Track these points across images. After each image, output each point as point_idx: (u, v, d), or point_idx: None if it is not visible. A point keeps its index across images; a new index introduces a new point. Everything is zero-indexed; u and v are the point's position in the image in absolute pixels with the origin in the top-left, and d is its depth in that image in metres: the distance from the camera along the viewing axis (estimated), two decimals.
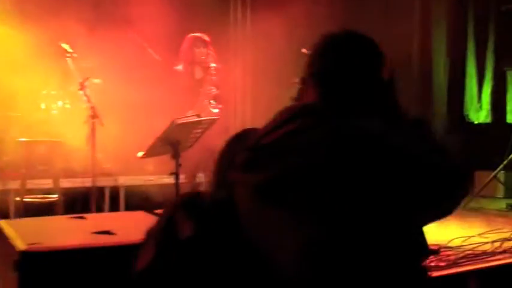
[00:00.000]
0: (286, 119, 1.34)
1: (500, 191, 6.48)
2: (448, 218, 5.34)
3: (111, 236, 1.95)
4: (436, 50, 7.25)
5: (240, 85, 7.11)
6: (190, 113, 4.82)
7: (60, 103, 5.43)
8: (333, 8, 6.98)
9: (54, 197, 4.57)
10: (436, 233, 4.91)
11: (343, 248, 1.20)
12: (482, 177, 6.39)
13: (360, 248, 1.21)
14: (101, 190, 5.33)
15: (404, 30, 7.04)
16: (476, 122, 7.06)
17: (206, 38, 5.39)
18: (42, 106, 5.38)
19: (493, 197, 6.43)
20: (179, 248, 1.29)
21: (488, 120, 6.92)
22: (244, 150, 1.33)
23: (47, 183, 4.72)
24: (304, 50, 4.75)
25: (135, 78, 5.52)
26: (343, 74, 1.41)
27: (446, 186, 1.32)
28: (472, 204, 5.95)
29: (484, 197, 6.26)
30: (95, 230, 2.03)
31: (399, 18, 6.96)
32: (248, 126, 6.31)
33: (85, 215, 2.46)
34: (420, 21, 7.28)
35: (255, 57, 6.80)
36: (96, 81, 5.63)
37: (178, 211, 1.35)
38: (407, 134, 1.38)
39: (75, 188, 4.77)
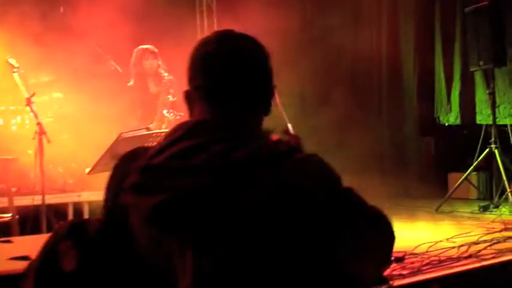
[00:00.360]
0: (178, 137, 1.23)
1: (473, 192, 6.42)
2: (419, 221, 5.26)
3: (26, 262, 1.83)
4: (405, 53, 7.22)
5: None
6: (152, 126, 4.75)
7: (19, 118, 5.31)
8: (303, 13, 6.93)
9: (8, 216, 4.45)
10: (404, 238, 4.86)
11: (234, 278, 1.11)
12: (455, 179, 6.34)
13: (251, 278, 1.11)
14: (64, 206, 5.21)
15: (373, 34, 7.01)
16: (446, 124, 7.03)
17: (155, 49, 5.33)
18: (0, 122, 5.25)
19: (465, 199, 6.37)
20: (61, 282, 1.19)
21: (458, 122, 6.88)
22: (135, 171, 1.22)
23: (3, 201, 4.60)
24: None
25: (96, 91, 5.42)
26: (231, 84, 1.28)
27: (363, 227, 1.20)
28: (445, 206, 5.90)
29: (457, 199, 6.22)
30: (13, 256, 1.92)
31: (367, 23, 6.92)
32: None
33: (13, 239, 2.35)
34: (388, 24, 7.26)
35: None
36: (57, 95, 5.53)
37: (62, 241, 1.24)
38: (314, 160, 1.23)
39: (30, 206, 4.64)
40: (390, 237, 1.29)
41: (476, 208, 5.82)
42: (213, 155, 1.16)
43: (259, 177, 1.14)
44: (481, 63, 5.65)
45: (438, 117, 7.07)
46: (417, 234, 4.98)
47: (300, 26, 6.81)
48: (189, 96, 1.33)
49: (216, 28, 7.11)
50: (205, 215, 1.12)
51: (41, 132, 4.05)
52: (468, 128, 6.72)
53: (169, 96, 5.17)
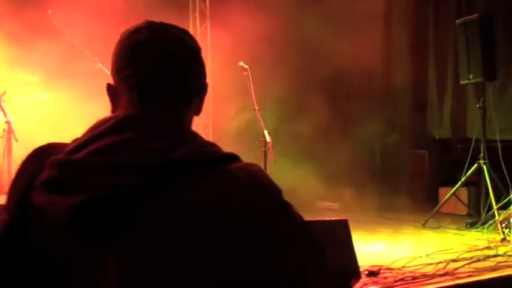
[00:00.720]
0: (103, 131, 1.10)
1: (463, 208, 6.28)
2: (404, 235, 5.17)
3: None
4: (398, 64, 7.15)
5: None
6: None
7: None
8: (297, 21, 6.88)
9: None
10: (385, 252, 4.77)
11: None
12: (446, 194, 6.22)
13: None
14: None
15: (366, 45, 6.93)
16: (437, 137, 6.93)
17: None
18: None
19: (455, 214, 6.24)
20: None
21: (449, 135, 6.77)
22: (49, 167, 1.08)
23: None
24: (241, 64, 4.62)
25: (82, 91, 5.38)
26: (164, 75, 1.17)
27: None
28: (432, 222, 5.80)
29: (446, 214, 6.11)
30: None
31: (361, 34, 6.85)
32: (210, 134, 6.13)
33: None
34: (381, 35, 7.19)
35: (216, 68, 6.68)
36: (42, 95, 5.50)
37: None
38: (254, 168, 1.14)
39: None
40: (323, 258, 1.19)
41: (464, 224, 5.72)
42: (148, 152, 1.05)
43: (198, 180, 1.05)
44: (471, 76, 5.55)
45: (430, 131, 6.97)
46: (399, 248, 4.89)
47: (293, 33, 6.75)
48: (113, 89, 1.20)
49: (209, 34, 7.09)
50: (139, 218, 1.02)
51: (10, 131, 4.01)
52: (462, 142, 6.61)
53: None
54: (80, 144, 1.09)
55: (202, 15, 7.09)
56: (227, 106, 6.11)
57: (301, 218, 1.15)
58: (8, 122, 4.11)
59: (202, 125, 6.90)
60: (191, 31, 7.20)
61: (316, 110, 6.78)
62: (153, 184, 1.03)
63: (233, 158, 1.12)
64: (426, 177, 7.12)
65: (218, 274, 1.03)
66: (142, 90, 1.16)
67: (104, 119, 1.14)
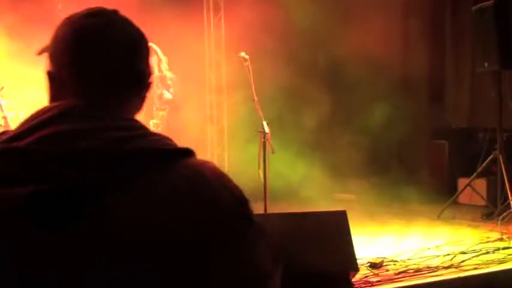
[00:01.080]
0: (45, 120, 1.05)
1: (480, 199, 6.13)
2: (417, 226, 5.11)
3: None
4: (415, 52, 7.01)
5: (215, 89, 7.02)
6: (152, 123, 4.75)
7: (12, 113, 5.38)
8: (310, 13, 6.81)
9: None
10: (394, 243, 4.71)
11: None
12: (464, 184, 6.07)
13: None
14: None
15: (382, 34, 6.83)
16: (454, 127, 6.78)
17: (154, 46, 5.32)
18: None
19: (473, 205, 6.10)
20: None
21: (465, 125, 6.62)
22: None
23: None
24: (242, 54, 4.58)
25: None
26: (115, 64, 1.12)
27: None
28: (448, 213, 5.70)
29: (464, 205, 6.00)
30: None
31: (376, 23, 6.75)
32: (224, 128, 6.03)
33: None
34: (398, 24, 7.06)
35: (229, 59, 6.67)
36: None
37: None
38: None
39: None
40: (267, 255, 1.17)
41: (480, 215, 5.61)
42: (100, 143, 1.02)
43: (154, 173, 1.03)
44: (486, 64, 5.39)
45: (447, 120, 6.83)
46: (409, 240, 4.83)
47: (307, 25, 6.68)
48: (54, 76, 1.14)
49: (223, 25, 7.06)
50: (91, 208, 0.99)
51: (6, 126, 4.06)
52: (481, 132, 6.45)
53: (162, 93, 5.17)
54: (19, 134, 1.03)
55: (216, 6, 7.07)
56: (238, 97, 6.10)
57: (258, 220, 1.13)
58: (4, 117, 4.17)
59: (217, 118, 6.90)
60: (205, 22, 7.27)
61: (329, 102, 6.74)
62: (107, 175, 1.01)
63: (189, 153, 1.10)
64: (446, 167, 6.98)
65: (169, 269, 1.01)
66: (91, 78, 1.10)
67: (44, 108, 1.09)
